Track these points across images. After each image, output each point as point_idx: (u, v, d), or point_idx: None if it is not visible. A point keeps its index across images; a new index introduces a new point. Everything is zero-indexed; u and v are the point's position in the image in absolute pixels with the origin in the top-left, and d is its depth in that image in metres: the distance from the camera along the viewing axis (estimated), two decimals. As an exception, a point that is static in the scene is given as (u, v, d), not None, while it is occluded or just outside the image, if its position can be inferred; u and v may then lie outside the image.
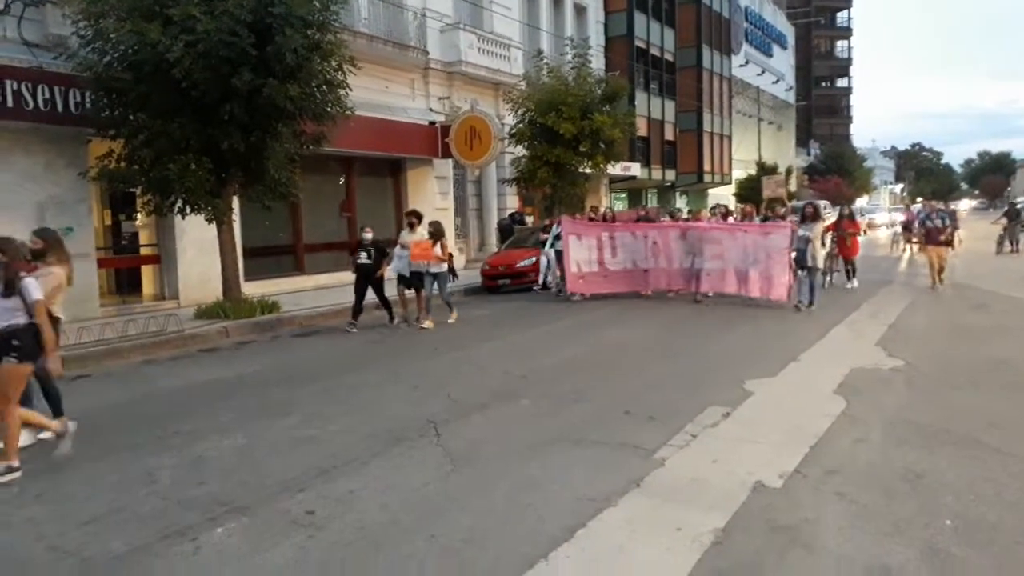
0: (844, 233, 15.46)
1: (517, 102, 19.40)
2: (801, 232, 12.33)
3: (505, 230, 20.73)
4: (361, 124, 14.38)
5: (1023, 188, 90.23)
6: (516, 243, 18.05)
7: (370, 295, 11.86)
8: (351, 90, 12.24)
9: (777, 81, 54.85)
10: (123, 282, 14.87)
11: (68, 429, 5.81)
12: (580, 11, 28.43)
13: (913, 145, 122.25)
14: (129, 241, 15.02)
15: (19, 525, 4.47)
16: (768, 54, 52.69)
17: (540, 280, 15.95)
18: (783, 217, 14.16)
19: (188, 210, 11.53)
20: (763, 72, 50.82)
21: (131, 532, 4.29)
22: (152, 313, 11.98)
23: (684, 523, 4.15)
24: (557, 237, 14.82)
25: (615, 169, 24.57)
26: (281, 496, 4.73)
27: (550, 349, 9.73)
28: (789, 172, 48.56)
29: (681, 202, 38.76)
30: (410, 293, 12.28)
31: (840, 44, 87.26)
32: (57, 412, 6.08)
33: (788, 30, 59.25)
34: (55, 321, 6.02)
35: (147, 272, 14.85)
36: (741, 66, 46.20)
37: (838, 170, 59.98)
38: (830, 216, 21.43)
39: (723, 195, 40.18)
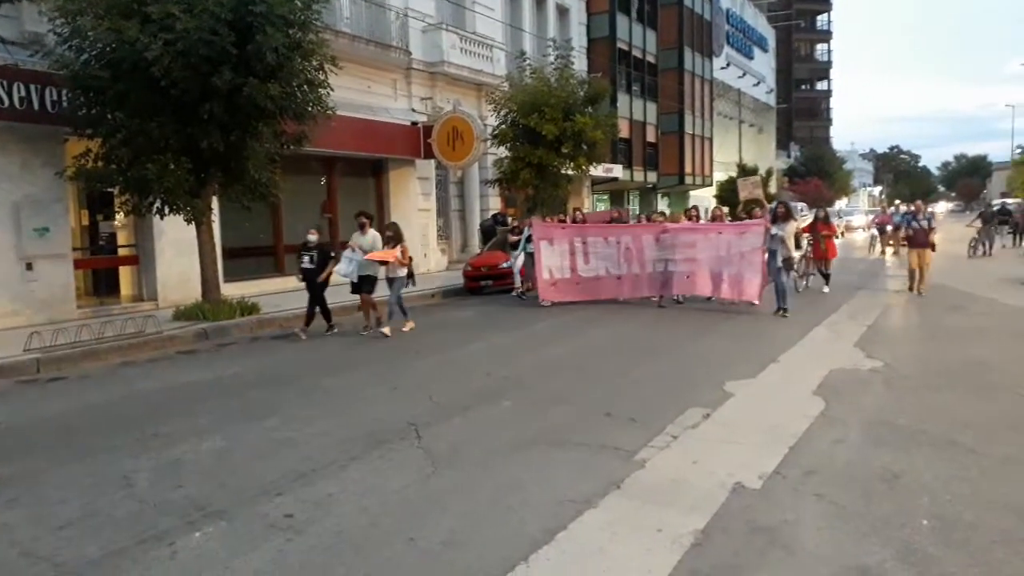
0: (819, 236, 15.30)
1: (499, 103, 19.36)
2: (774, 231, 12.15)
3: (487, 231, 20.70)
4: (343, 124, 14.31)
5: (999, 190, 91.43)
6: (498, 244, 18.03)
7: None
8: (332, 90, 12.18)
9: (758, 84, 55.25)
10: (101, 283, 14.70)
11: None
12: (563, 12, 28.48)
13: (891, 148, 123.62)
14: (107, 242, 14.85)
15: (-8, 530, 4.40)
16: (749, 57, 53.05)
17: (517, 285, 15.48)
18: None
19: (167, 210, 11.42)
20: (744, 75, 51.18)
21: (107, 536, 4.23)
22: (130, 314, 11.85)
23: (664, 524, 4.16)
24: (528, 240, 14.63)
25: (597, 171, 24.63)
26: (260, 499, 4.69)
27: (532, 351, 9.74)
28: (769, 174, 48.87)
29: (663, 204, 38.92)
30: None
31: (820, 47, 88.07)
32: None
33: (769, 33, 59.70)
34: None
35: (125, 273, 14.69)
36: (722, 68, 46.49)
37: (818, 172, 60.65)
38: (806, 218, 21.46)
39: (704, 197, 40.43)
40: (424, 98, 20.65)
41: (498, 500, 4.60)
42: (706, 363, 8.69)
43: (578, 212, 17.51)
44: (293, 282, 16.75)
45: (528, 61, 20.54)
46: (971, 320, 11.30)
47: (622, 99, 32.42)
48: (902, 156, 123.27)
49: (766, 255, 12.29)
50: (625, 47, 33.31)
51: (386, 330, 11.01)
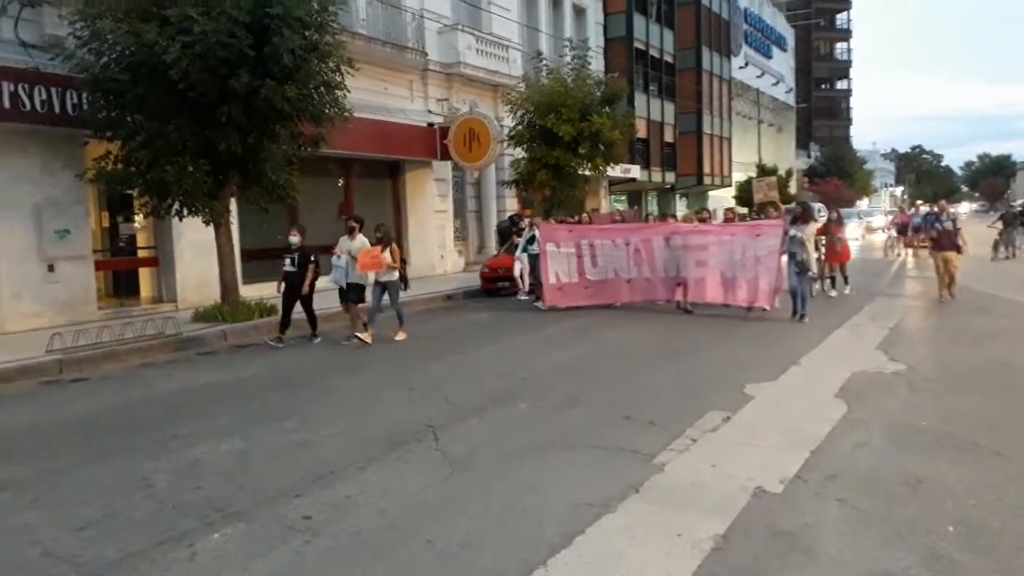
0: (833, 239, 14.83)
1: (516, 104, 19.36)
2: (793, 233, 11.61)
3: (504, 232, 20.67)
4: (359, 126, 14.34)
5: (1023, 190, 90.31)
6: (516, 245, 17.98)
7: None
8: (349, 91, 12.21)
9: (777, 83, 54.89)
10: (121, 285, 14.84)
11: None
12: (579, 12, 28.42)
13: (913, 147, 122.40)
14: (127, 243, 14.98)
15: (14, 530, 4.42)
16: (768, 56, 52.72)
17: (524, 288, 15.21)
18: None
19: (185, 212, 11.50)
20: (763, 74, 50.85)
21: (126, 538, 4.25)
22: (150, 316, 11.93)
23: (684, 529, 4.11)
24: (530, 240, 14.32)
25: (614, 171, 24.52)
26: (278, 501, 4.69)
27: (548, 353, 9.70)
28: (789, 174, 48.55)
29: (681, 204, 38.75)
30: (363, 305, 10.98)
31: (840, 46, 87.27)
32: None
33: (788, 32, 59.30)
34: None
35: (145, 275, 14.81)
36: (741, 68, 46.22)
37: (838, 172, 60.04)
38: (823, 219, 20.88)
39: (723, 197, 40.19)
40: (440, 99, 20.67)
41: (515, 503, 4.58)
42: (725, 366, 8.62)
43: (585, 214, 17.07)
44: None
45: (544, 62, 20.52)
46: (995, 322, 11.14)
47: (639, 99, 32.32)
48: (924, 156, 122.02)
49: (784, 258, 11.82)
50: (642, 47, 33.21)
51: (366, 336, 10.42)
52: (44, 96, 11.35)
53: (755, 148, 47.54)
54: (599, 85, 20.02)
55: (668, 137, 36.53)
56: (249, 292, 13.32)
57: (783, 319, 11.48)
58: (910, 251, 23.98)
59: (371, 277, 10.76)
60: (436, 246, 20.79)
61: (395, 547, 4.03)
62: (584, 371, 8.53)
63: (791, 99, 60.26)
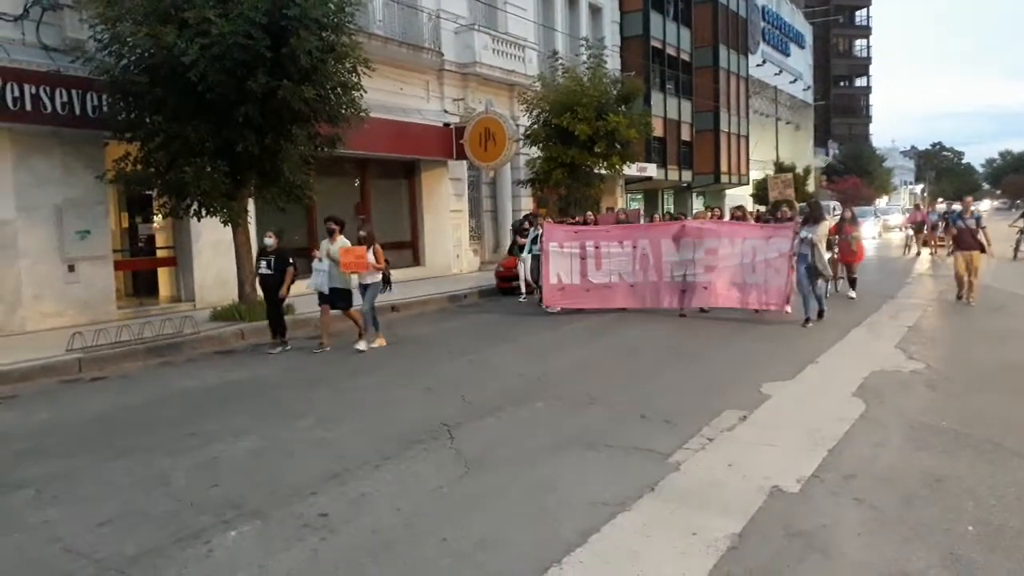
0: (848, 238, 14.21)
1: (532, 103, 19.36)
2: (804, 234, 11.05)
3: (517, 232, 20.67)
4: (376, 126, 14.38)
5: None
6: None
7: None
8: (366, 92, 12.24)
9: (795, 80, 54.49)
10: (140, 284, 14.98)
11: None
12: (595, 11, 28.35)
13: (934, 145, 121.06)
14: (145, 243, 15.12)
15: (35, 526, 4.48)
16: (786, 53, 52.36)
17: (523, 289, 14.97)
18: (790, 220, 12.55)
19: (204, 212, 11.59)
20: (780, 72, 50.48)
21: (144, 534, 4.30)
22: (168, 315, 12.03)
23: (700, 528, 4.10)
24: (534, 241, 13.97)
25: (631, 170, 24.46)
26: (294, 499, 4.72)
27: (563, 352, 9.70)
28: (807, 172, 48.19)
29: (698, 203, 38.57)
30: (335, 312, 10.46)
31: (859, 43, 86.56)
32: None
33: (806, 29, 58.85)
34: None
35: (163, 274, 14.94)
36: (758, 66, 45.92)
37: (857, 170, 59.60)
38: (837, 218, 20.07)
39: (740, 196, 39.96)
40: (456, 99, 20.70)
41: (531, 501, 4.58)
42: (742, 364, 8.57)
43: (589, 213, 16.68)
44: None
45: (560, 61, 20.53)
46: (1016, 321, 11.01)
47: (656, 97, 32.22)
48: (945, 153, 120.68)
49: (795, 260, 11.26)
50: (659, 45, 33.09)
51: (361, 345, 10.02)
52: (65, 98, 11.48)
53: (773, 146, 47.19)
54: (615, 84, 19.98)
55: (685, 135, 36.39)
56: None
57: (799, 319, 10.99)
58: (927, 250, 23.55)
59: (355, 279, 10.33)
60: (452, 246, 20.82)
61: (411, 545, 4.04)
62: (600, 370, 8.52)
63: (809, 97, 59.79)
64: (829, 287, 13.83)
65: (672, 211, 31.08)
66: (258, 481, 5.09)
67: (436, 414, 6.60)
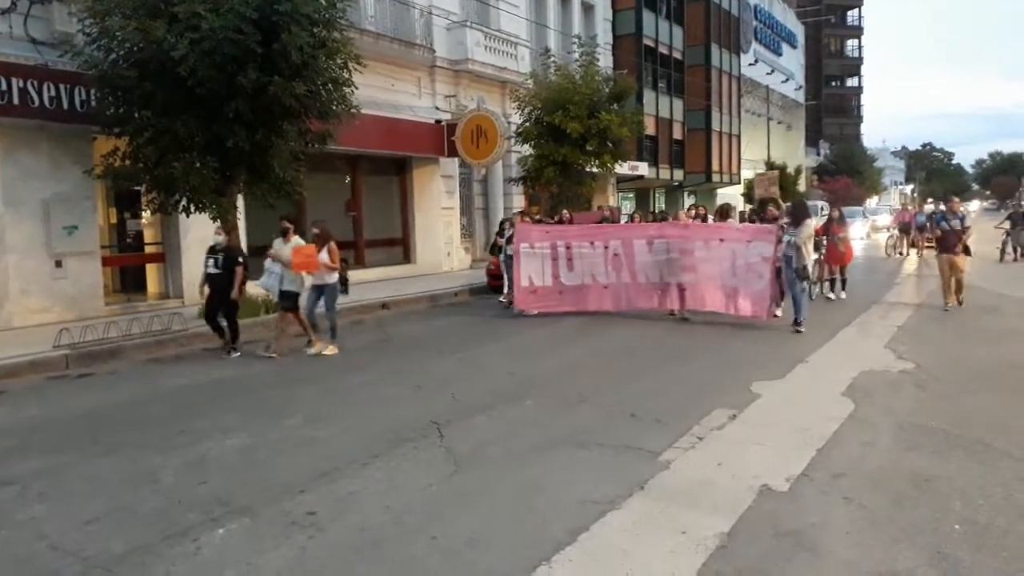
0: (835, 238, 13.93)
1: (524, 100, 19.34)
2: (787, 237, 10.67)
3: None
4: (367, 122, 14.32)
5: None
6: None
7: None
8: (357, 88, 12.19)
9: (786, 80, 54.65)
10: (128, 280, 14.87)
11: None
12: (588, 9, 28.34)
13: (924, 145, 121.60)
14: (134, 239, 15.01)
15: (21, 523, 4.45)
16: (778, 53, 52.49)
17: (505, 289, 14.28)
18: (774, 220, 12.19)
19: (192, 208, 11.51)
20: (772, 71, 50.62)
21: (132, 532, 4.27)
22: (156, 312, 11.96)
23: (689, 527, 4.10)
24: (508, 241, 13.53)
25: (622, 168, 24.50)
26: (283, 497, 4.70)
27: (554, 351, 9.69)
28: (798, 172, 48.34)
29: (689, 202, 38.62)
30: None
31: (850, 43, 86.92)
32: None
33: (798, 29, 59.02)
34: None
35: (152, 270, 14.85)
36: (750, 65, 46.03)
37: (848, 170, 59.86)
38: (823, 217, 18.63)
39: (732, 195, 40.04)
40: (448, 96, 20.65)
41: (521, 500, 4.57)
42: (732, 364, 8.59)
43: (566, 211, 15.97)
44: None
45: (553, 58, 20.51)
46: (1005, 321, 11.07)
47: (648, 96, 32.21)
48: (935, 154, 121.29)
49: (779, 265, 10.89)
50: (651, 44, 33.08)
51: (330, 350, 9.66)
52: (53, 92, 11.39)
53: (764, 145, 47.31)
54: (607, 82, 19.99)
55: (677, 134, 36.40)
56: (255, 288, 13.33)
57: (788, 322, 10.75)
58: (914, 251, 23.25)
59: (307, 280, 9.84)
60: (443, 243, 20.79)
61: (400, 543, 4.03)
62: (590, 369, 8.52)
63: (801, 96, 59.98)
64: (815, 290, 13.69)
65: (655, 211, 30.96)
66: (247, 479, 5.07)
67: (426, 412, 6.59)
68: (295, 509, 4.51)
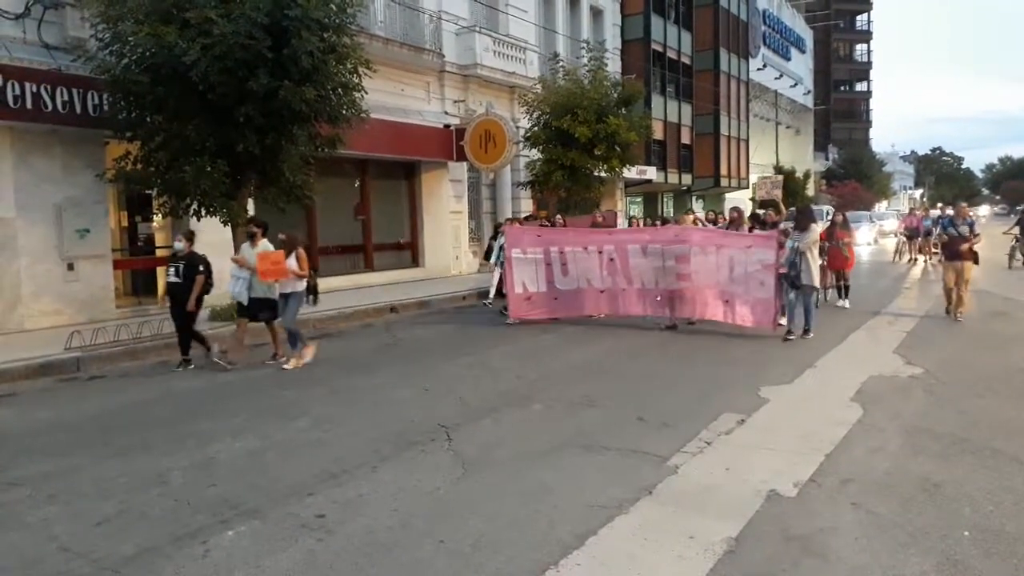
0: (839, 244, 13.53)
1: (532, 105, 19.37)
2: (791, 243, 10.30)
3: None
4: (376, 127, 14.38)
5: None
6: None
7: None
8: (366, 93, 12.24)
9: (795, 85, 54.51)
10: (139, 284, 14.94)
11: None
12: (596, 14, 28.37)
13: (933, 150, 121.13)
14: (145, 243, 15.10)
15: (32, 525, 4.48)
16: (786, 57, 52.38)
17: (491, 296, 14.33)
18: (775, 224, 11.87)
19: (203, 212, 11.57)
20: (781, 76, 50.53)
21: (142, 533, 4.30)
22: (167, 315, 12.01)
23: (697, 531, 4.10)
24: (501, 248, 13.12)
25: (630, 173, 24.46)
26: (291, 499, 4.72)
27: (561, 354, 9.70)
28: (807, 177, 48.20)
29: (697, 206, 38.57)
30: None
31: (859, 47, 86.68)
32: None
33: (807, 33, 58.90)
34: None
35: (162, 274, 14.87)
36: (759, 70, 45.94)
37: (856, 175, 59.60)
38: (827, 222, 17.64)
39: (740, 199, 39.99)
40: (457, 100, 20.70)
41: (528, 504, 4.58)
42: (740, 368, 8.57)
43: (558, 216, 15.75)
44: (327, 283, 16.73)
45: (561, 63, 20.53)
46: (1015, 326, 11.01)
47: (656, 101, 32.22)
48: (944, 158, 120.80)
49: (783, 271, 10.39)
50: (660, 48, 33.10)
51: (290, 364, 9.09)
52: (66, 97, 11.48)
53: (772, 150, 47.21)
54: (616, 86, 19.98)
55: (685, 139, 36.39)
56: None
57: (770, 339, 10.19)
58: (922, 257, 22.61)
59: (276, 288, 9.29)
60: (451, 247, 20.83)
61: (407, 547, 4.04)
62: (598, 372, 8.52)
63: (809, 101, 59.85)
64: (818, 297, 12.83)
65: (662, 215, 30.77)
66: (255, 481, 5.09)
67: (434, 415, 6.61)
68: (304, 512, 4.53)
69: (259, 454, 5.72)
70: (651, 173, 30.35)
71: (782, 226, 11.40)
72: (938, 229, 11.92)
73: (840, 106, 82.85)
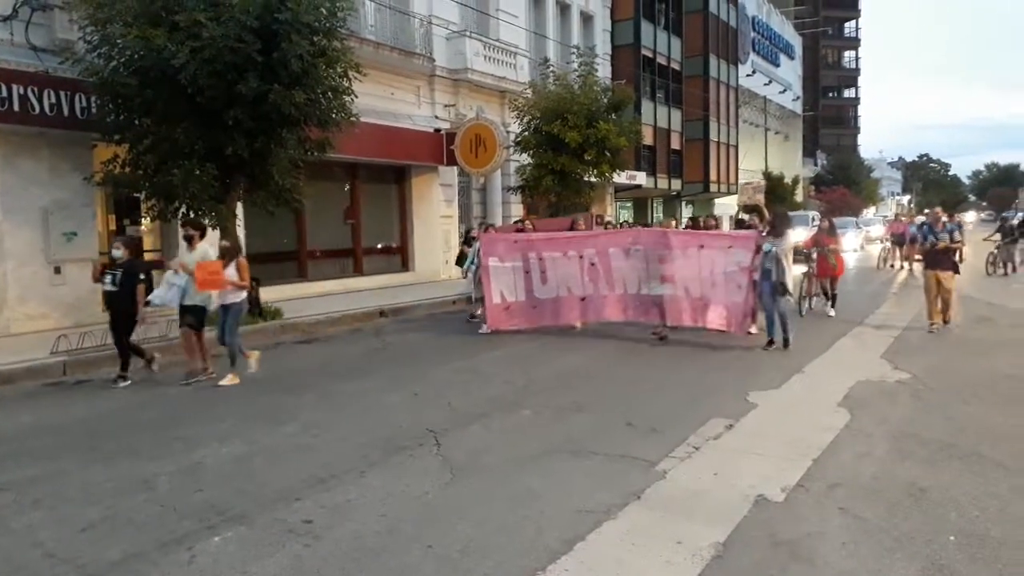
0: (825, 250, 13.26)
1: (523, 110, 19.40)
2: (767, 248, 10.02)
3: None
4: (366, 131, 14.37)
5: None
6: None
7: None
8: (356, 97, 12.24)
9: (784, 91, 54.83)
10: (127, 287, 14.85)
11: None
12: (587, 19, 28.45)
13: (921, 156, 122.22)
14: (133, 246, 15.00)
15: (17, 531, 4.44)
16: (775, 64, 52.67)
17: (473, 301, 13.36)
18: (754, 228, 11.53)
19: (192, 215, 11.52)
20: (770, 82, 50.81)
21: (128, 539, 4.27)
22: (155, 319, 11.95)
23: (684, 536, 4.11)
24: (476, 254, 12.52)
25: (620, 178, 24.53)
26: (278, 504, 4.70)
27: (550, 359, 9.70)
28: (796, 182, 48.46)
29: (687, 211, 38.70)
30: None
31: (847, 54, 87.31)
32: None
33: (795, 40, 59.25)
34: None
35: (159, 278, 14.82)
36: (748, 76, 46.19)
37: (845, 181, 59.95)
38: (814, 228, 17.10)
39: (729, 205, 40.17)
40: (447, 105, 20.71)
41: (516, 509, 4.57)
42: (728, 373, 8.60)
43: (528, 220, 14.98)
44: (316, 287, 16.79)
45: (552, 68, 20.58)
46: (1001, 333, 11.08)
47: (646, 106, 32.32)
48: (931, 164, 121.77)
49: (756, 276, 10.17)
50: (650, 54, 33.21)
51: (226, 380, 8.49)
52: (53, 99, 11.42)
53: (762, 156, 47.47)
54: (606, 92, 20.05)
55: (675, 144, 36.50)
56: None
57: (791, 325, 10.16)
58: (907, 264, 22.14)
59: (213, 298, 8.75)
60: (441, 251, 20.81)
61: (395, 552, 4.03)
62: (587, 377, 8.52)
63: (798, 107, 60.18)
64: (805, 305, 13.07)
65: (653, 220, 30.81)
66: (242, 487, 5.06)
67: (422, 420, 6.60)
68: (291, 517, 4.51)
69: (246, 459, 5.70)
70: (641, 178, 30.45)
71: (759, 229, 11.04)
72: (930, 237, 11.33)
73: (828, 112, 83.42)
